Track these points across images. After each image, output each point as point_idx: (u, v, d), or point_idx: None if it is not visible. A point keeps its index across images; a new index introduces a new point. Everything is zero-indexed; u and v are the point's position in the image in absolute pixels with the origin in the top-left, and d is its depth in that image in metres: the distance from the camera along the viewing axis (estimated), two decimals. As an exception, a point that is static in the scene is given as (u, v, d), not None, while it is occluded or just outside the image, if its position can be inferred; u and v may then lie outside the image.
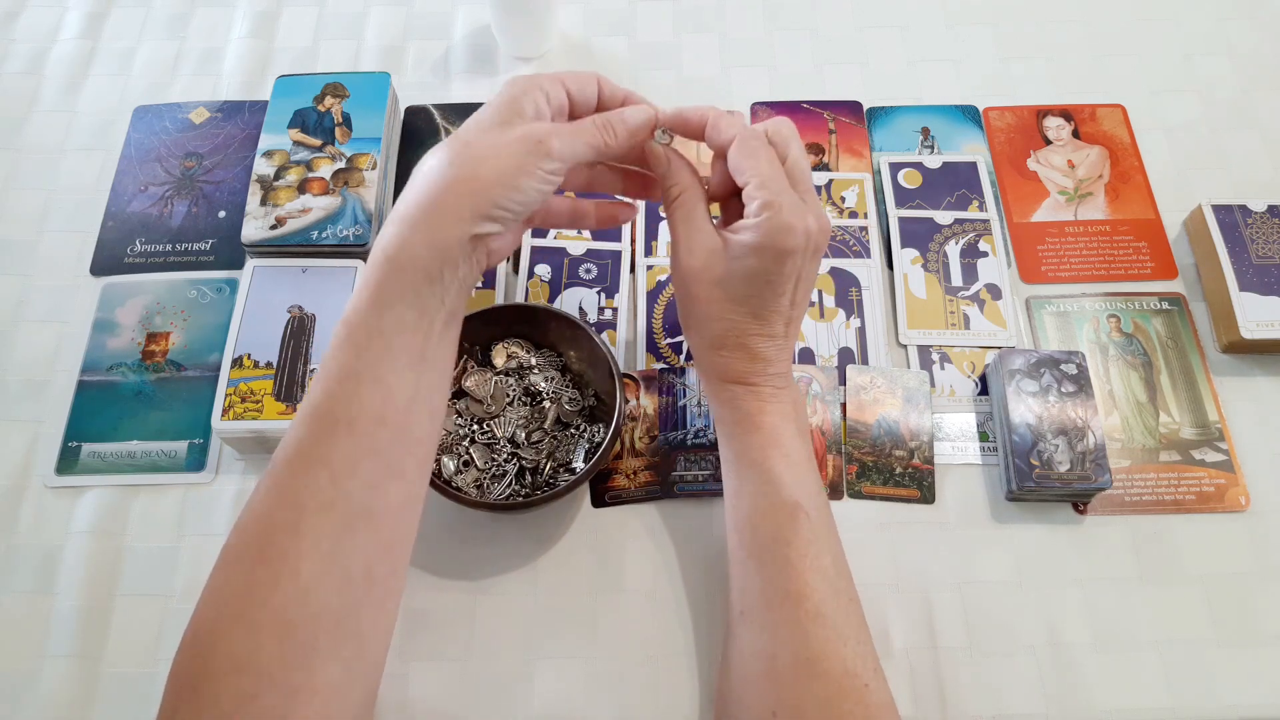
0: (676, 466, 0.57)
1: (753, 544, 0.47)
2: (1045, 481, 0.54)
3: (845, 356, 0.61)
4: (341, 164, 0.65)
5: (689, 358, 0.61)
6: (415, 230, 0.42)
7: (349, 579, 0.40)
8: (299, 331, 0.59)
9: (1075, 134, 0.70)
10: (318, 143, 0.66)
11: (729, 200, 0.50)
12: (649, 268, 0.64)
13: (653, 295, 0.63)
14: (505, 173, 0.42)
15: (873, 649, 0.45)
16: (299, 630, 0.38)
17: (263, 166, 0.65)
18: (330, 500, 0.40)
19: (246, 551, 0.40)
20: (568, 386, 0.57)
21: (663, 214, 0.66)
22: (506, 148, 0.43)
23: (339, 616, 0.40)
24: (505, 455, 0.54)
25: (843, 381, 0.60)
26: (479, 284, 0.63)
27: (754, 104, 0.72)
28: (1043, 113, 0.71)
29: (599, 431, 0.55)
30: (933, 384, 0.60)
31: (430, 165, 0.43)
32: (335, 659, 0.39)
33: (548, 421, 0.56)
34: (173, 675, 0.39)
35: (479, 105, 0.46)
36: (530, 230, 0.65)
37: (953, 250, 0.65)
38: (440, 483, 0.51)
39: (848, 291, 0.64)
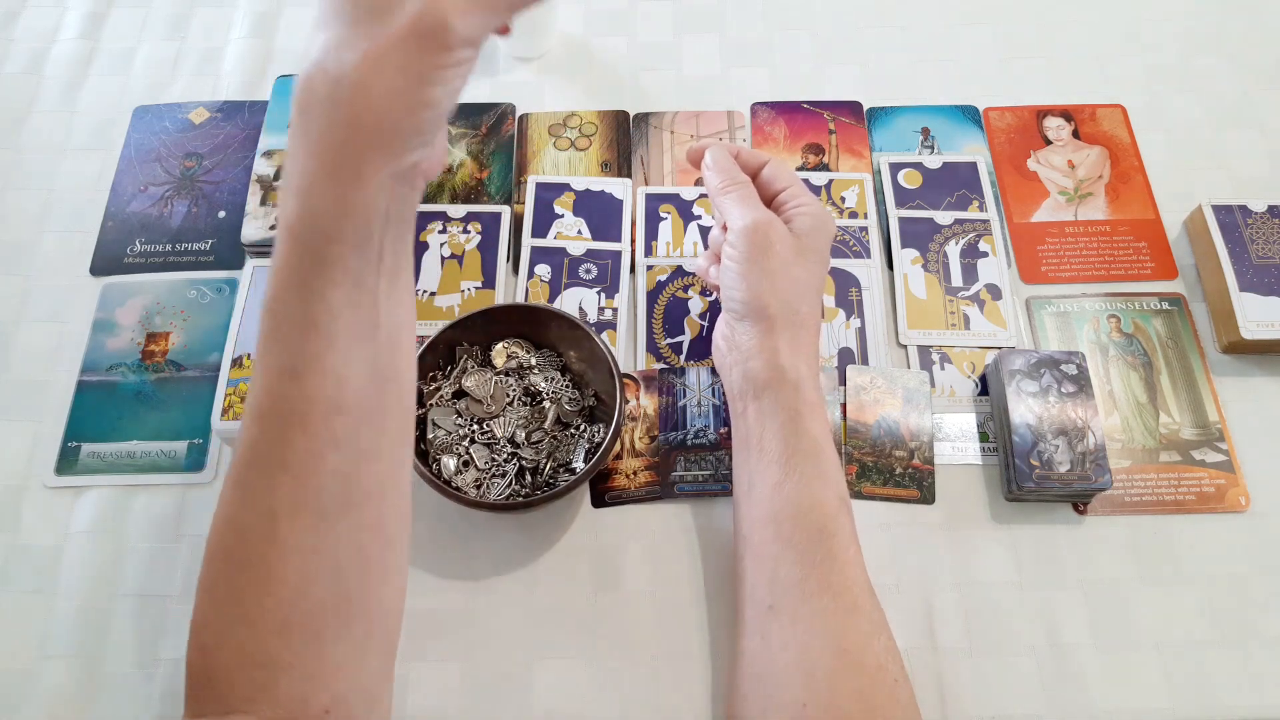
0: (676, 466, 0.57)
1: (793, 535, 0.47)
2: (1045, 482, 0.54)
3: (845, 356, 0.61)
4: (341, 164, 0.64)
5: (689, 357, 0.61)
6: (321, 198, 0.35)
7: (340, 567, 0.38)
8: (299, 331, 0.59)
9: (1075, 134, 0.70)
10: (318, 143, 0.66)
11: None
12: (649, 268, 0.64)
13: (653, 295, 0.63)
14: (406, 92, 0.33)
15: (897, 646, 0.46)
16: (300, 625, 0.38)
17: (263, 166, 0.65)
18: (299, 502, 0.37)
19: (229, 556, 0.38)
20: (568, 386, 0.57)
21: (664, 214, 0.66)
22: (397, 53, 0.32)
23: (338, 602, 0.38)
24: (505, 455, 0.54)
25: (843, 381, 0.60)
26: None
27: (754, 104, 0.72)
28: (1043, 113, 0.71)
29: (599, 431, 0.55)
30: (933, 384, 0.60)
31: (304, 102, 0.34)
32: (344, 640, 0.39)
33: (548, 421, 0.56)
34: (188, 666, 0.39)
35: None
36: (530, 230, 0.65)
37: (953, 250, 0.65)
38: (440, 483, 0.51)
39: (848, 291, 0.64)
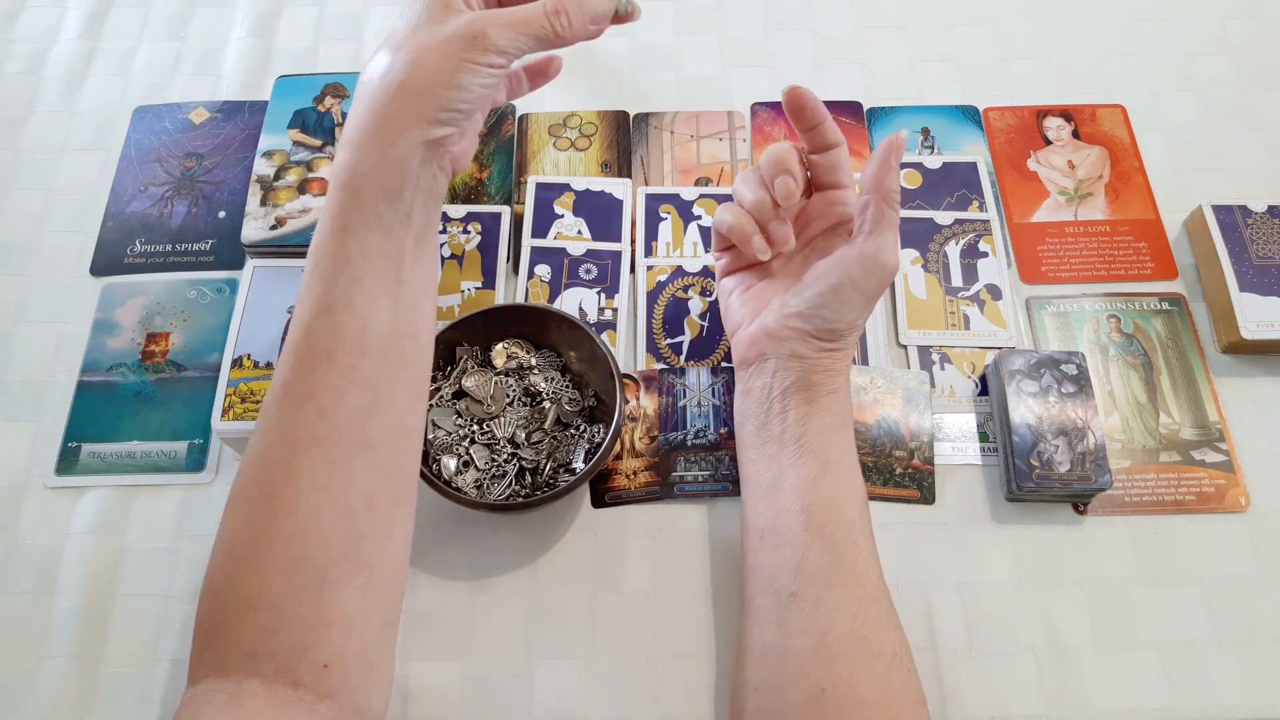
0: (676, 467, 0.57)
1: (825, 525, 0.47)
2: (1045, 482, 0.54)
3: (845, 357, 0.61)
4: (341, 164, 0.65)
5: (689, 357, 0.61)
6: (364, 150, 0.42)
7: (350, 509, 0.40)
8: (299, 331, 0.59)
9: (1075, 134, 0.70)
10: (318, 143, 0.66)
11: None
12: (649, 268, 0.64)
13: (653, 295, 0.63)
14: (445, 72, 0.42)
15: (908, 643, 0.47)
16: (306, 565, 0.39)
17: (263, 167, 0.65)
18: (320, 435, 0.40)
19: (246, 493, 0.41)
20: (568, 387, 0.57)
21: (664, 214, 0.66)
22: (443, 45, 0.42)
23: (345, 547, 0.40)
24: (505, 455, 0.54)
25: (843, 382, 0.60)
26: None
27: (754, 104, 0.72)
28: (1043, 113, 0.71)
29: (599, 432, 0.55)
30: (933, 384, 0.60)
31: (367, 78, 0.43)
32: (347, 588, 0.40)
33: (548, 422, 0.56)
34: (196, 621, 0.40)
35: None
36: (530, 230, 0.65)
37: (953, 250, 0.65)
38: (440, 483, 0.51)
39: (848, 292, 0.64)
